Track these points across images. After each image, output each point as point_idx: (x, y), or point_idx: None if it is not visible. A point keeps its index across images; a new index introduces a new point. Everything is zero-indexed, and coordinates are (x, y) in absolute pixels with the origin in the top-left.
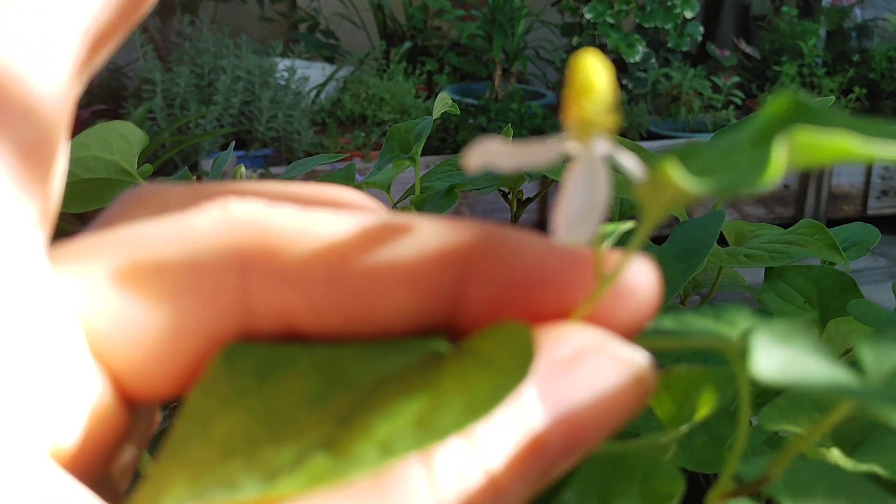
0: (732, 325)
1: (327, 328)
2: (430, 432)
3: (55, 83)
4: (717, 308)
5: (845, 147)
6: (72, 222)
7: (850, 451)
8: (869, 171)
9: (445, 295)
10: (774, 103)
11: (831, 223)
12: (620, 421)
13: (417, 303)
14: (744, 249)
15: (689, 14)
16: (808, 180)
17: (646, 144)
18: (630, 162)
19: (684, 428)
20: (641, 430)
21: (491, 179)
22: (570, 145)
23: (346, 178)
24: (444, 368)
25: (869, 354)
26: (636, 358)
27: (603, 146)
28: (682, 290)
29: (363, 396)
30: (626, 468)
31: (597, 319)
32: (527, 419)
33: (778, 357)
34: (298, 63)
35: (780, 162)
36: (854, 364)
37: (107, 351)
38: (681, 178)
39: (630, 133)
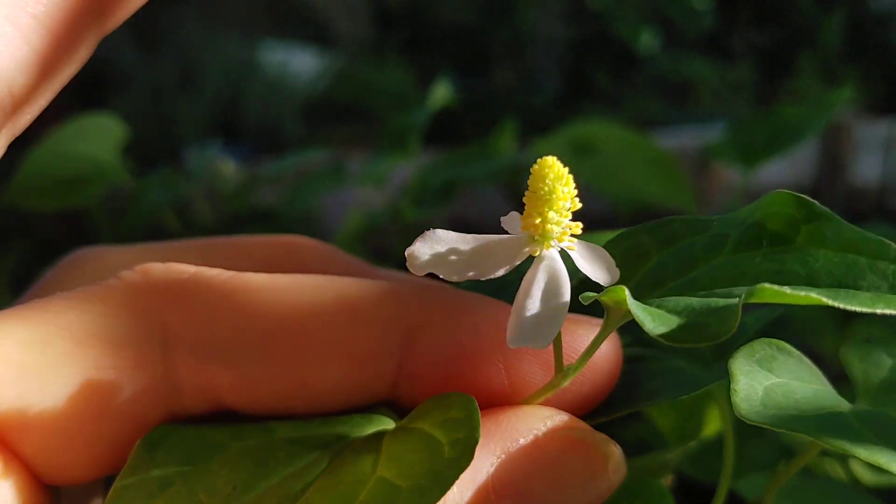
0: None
1: (257, 404)
2: None
3: None
4: None
5: (812, 300)
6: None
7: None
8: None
9: (385, 367)
10: (774, 202)
11: (848, 219)
12: None
13: (354, 377)
14: None
15: (699, 3)
16: (823, 176)
17: (655, 136)
18: (592, 267)
19: (691, 445)
20: (645, 440)
21: (491, 175)
22: (530, 251)
23: (336, 175)
24: (383, 453)
25: (857, 366)
26: (604, 447)
27: (565, 252)
28: None
29: (294, 489)
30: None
31: (556, 393)
32: None
33: (759, 393)
34: (289, 49)
35: (737, 318)
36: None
37: (16, 438)
38: (636, 313)
39: (638, 124)
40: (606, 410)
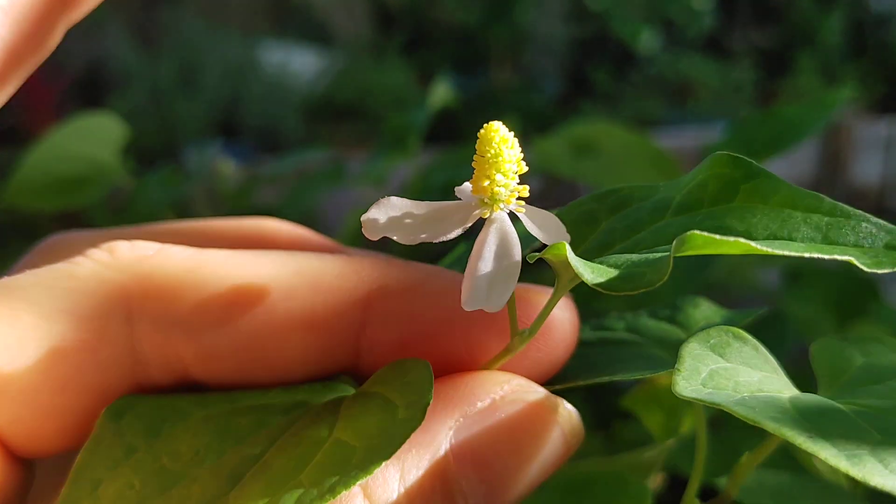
0: (686, 326)
1: (222, 376)
2: (319, 492)
3: None
4: (675, 307)
5: (742, 247)
6: (51, 226)
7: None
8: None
9: (345, 337)
10: (714, 164)
11: None
12: (547, 469)
13: (315, 347)
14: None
15: (699, 3)
16: (823, 176)
17: (655, 136)
18: (542, 231)
19: (670, 442)
20: (641, 441)
21: None
22: (480, 213)
23: (336, 175)
24: (341, 416)
25: (825, 361)
26: (559, 408)
27: (513, 214)
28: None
29: (255, 452)
30: (592, 493)
31: (514, 359)
32: (444, 474)
33: (703, 374)
34: (290, 49)
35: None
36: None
37: None
38: (576, 266)
39: (638, 124)
40: (566, 380)
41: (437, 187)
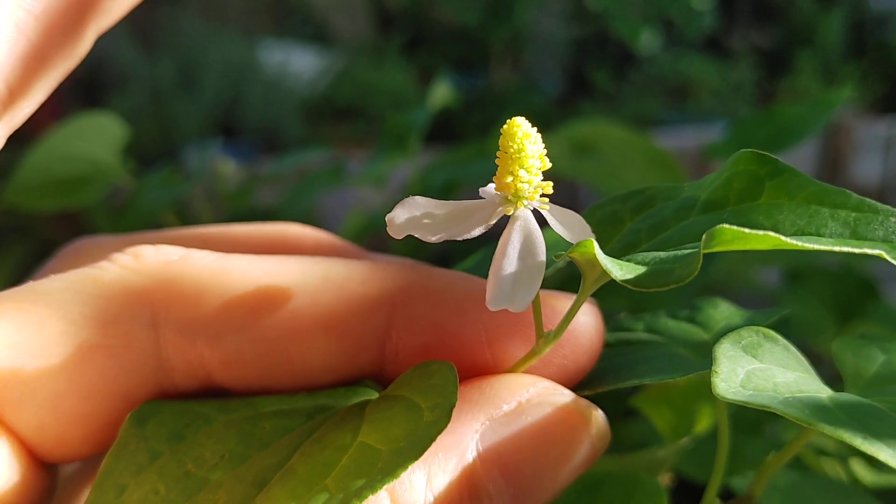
0: (706, 326)
1: (246, 381)
2: (346, 497)
3: None
4: (694, 307)
5: (771, 241)
6: (51, 226)
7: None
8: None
9: (370, 342)
10: (739, 162)
11: None
12: (574, 473)
13: (340, 352)
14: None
15: (699, 3)
16: (823, 176)
17: (655, 136)
18: (566, 229)
19: (684, 441)
20: (645, 441)
21: (489, 175)
22: (504, 210)
23: (336, 175)
24: (365, 420)
25: (848, 360)
26: (586, 411)
27: (538, 212)
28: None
29: (279, 457)
30: (606, 492)
31: (539, 365)
32: (471, 478)
33: (740, 375)
34: (290, 49)
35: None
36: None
37: (11, 416)
38: (604, 263)
39: (638, 124)
40: (593, 385)
41: (437, 187)
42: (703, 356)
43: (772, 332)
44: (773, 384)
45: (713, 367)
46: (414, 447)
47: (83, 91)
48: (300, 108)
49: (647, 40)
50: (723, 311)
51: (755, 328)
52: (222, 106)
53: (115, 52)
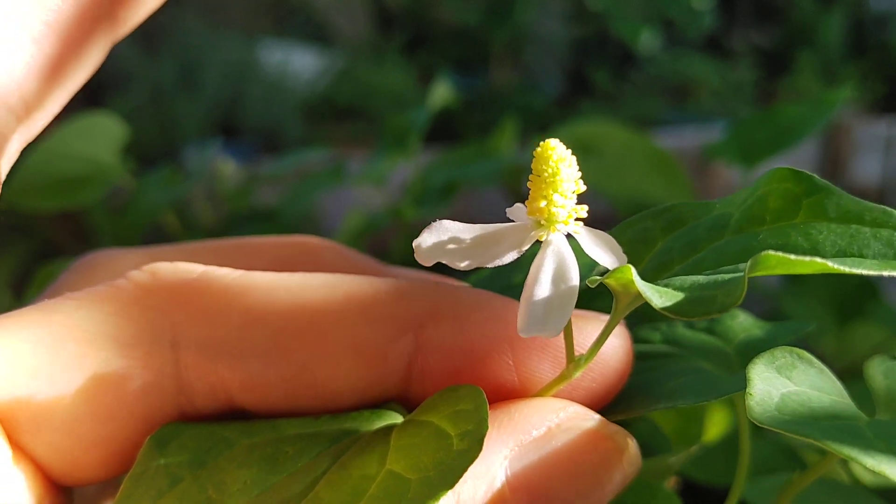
0: (726, 338)
1: (268, 404)
2: None
3: None
4: (711, 319)
5: (817, 266)
6: (51, 226)
7: None
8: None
9: (397, 365)
10: (774, 178)
11: None
12: (604, 499)
13: (365, 375)
14: None
15: (699, 3)
16: (823, 176)
17: (654, 134)
18: (599, 251)
19: (694, 449)
20: (648, 442)
21: (491, 175)
22: (536, 235)
23: (336, 175)
24: (392, 447)
25: (880, 381)
26: (618, 438)
27: (571, 236)
28: None
29: (304, 483)
30: (618, 497)
31: (567, 388)
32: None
33: (775, 399)
34: (289, 49)
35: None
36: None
37: (28, 439)
38: (643, 290)
39: (638, 124)
40: (622, 408)
41: (437, 187)
42: (726, 369)
43: (806, 354)
44: (809, 409)
45: (748, 389)
46: (444, 477)
47: (83, 91)
48: (300, 108)
49: (648, 40)
50: (741, 322)
51: (789, 349)
52: (222, 106)
53: (116, 51)
